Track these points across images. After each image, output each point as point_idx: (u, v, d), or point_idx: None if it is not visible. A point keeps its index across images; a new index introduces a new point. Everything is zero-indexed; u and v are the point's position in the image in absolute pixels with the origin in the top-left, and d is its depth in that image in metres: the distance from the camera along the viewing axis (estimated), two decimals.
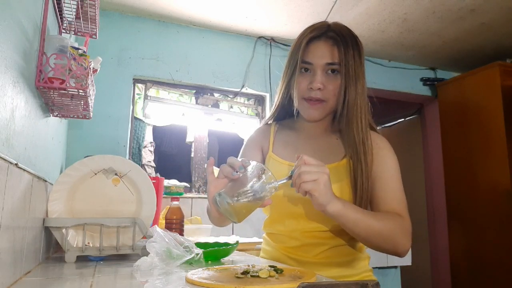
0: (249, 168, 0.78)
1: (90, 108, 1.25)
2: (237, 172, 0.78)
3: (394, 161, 1.00)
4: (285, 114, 1.15)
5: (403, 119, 3.73)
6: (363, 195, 0.94)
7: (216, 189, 0.80)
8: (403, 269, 2.05)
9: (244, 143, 1.16)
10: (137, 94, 2.45)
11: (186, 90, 2.58)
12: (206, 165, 0.85)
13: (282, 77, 1.06)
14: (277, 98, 1.11)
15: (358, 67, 0.97)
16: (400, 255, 0.91)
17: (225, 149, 3.25)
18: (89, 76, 1.06)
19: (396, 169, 0.99)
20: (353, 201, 0.94)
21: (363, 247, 1.05)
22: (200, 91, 2.60)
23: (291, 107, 1.09)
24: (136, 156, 2.39)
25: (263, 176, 0.77)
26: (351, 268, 1.01)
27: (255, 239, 1.95)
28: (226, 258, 1.07)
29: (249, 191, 0.76)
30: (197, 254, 0.91)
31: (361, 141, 0.96)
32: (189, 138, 2.62)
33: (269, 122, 1.17)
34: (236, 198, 0.75)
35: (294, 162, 1.01)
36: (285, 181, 0.82)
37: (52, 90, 1.01)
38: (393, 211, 0.93)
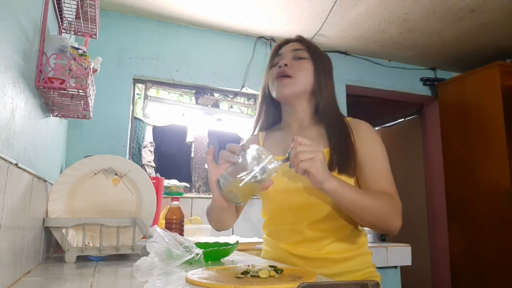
0: (249, 151, 0.80)
1: (90, 108, 1.25)
2: (237, 155, 0.81)
3: (380, 143, 1.04)
4: (268, 121, 1.19)
5: (403, 119, 3.73)
6: (349, 173, 0.98)
7: (217, 175, 0.83)
8: (403, 269, 2.04)
9: None
10: (137, 94, 2.45)
11: (186, 90, 2.58)
12: (206, 153, 0.90)
13: (261, 87, 1.18)
14: (258, 105, 1.19)
15: (323, 57, 1.12)
16: (392, 232, 0.95)
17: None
18: (89, 76, 1.06)
19: (383, 150, 1.03)
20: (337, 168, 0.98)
21: (365, 242, 1.07)
22: (200, 91, 2.60)
23: (274, 109, 1.17)
24: (136, 156, 2.39)
25: (263, 157, 0.80)
26: (355, 263, 1.02)
27: (255, 239, 1.95)
28: (226, 258, 1.07)
29: (250, 172, 0.78)
30: (197, 254, 0.91)
31: (338, 121, 1.04)
32: (189, 138, 2.62)
33: (255, 133, 1.21)
34: (239, 179, 0.77)
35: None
36: (282, 162, 0.84)
37: (52, 90, 1.01)
38: (382, 191, 0.97)
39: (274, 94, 1.10)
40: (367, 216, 0.91)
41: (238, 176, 0.78)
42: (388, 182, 0.99)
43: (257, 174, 0.78)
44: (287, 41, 1.15)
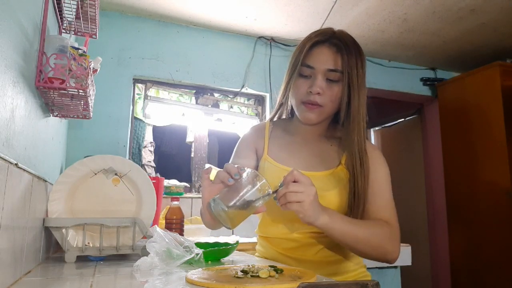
0: (244, 175, 0.79)
1: (90, 108, 1.25)
2: (233, 178, 0.78)
3: (385, 169, 1.02)
4: (281, 114, 1.16)
5: (403, 119, 3.73)
6: (360, 203, 0.95)
7: (211, 194, 0.81)
8: (403, 269, 2.04)
9: (239, 141, 1.16)
10: (137, 94, 2.45)
11: (186, 90, 2.58)
12: (202, 171, 0.87)
13: (285, 77, 1.06)
14: (279, 97, 1.11)
15: (361, 77, 0.97)
16: (389, 262, 0.93)
17: (225, 149, 3.25)
18: (89, 76, 1.06)
19: (387, 177, 1.01)
20: (350, 209, 0.96)
21: None
22: (200, 91, 2.60)
23: (288, 107, 1.11)
24: (136, 156, 2.39)
25: (258, 183, 0.78)
26: (347, 264, 1.03)
27: (255, 239, 1.95)
28: (226, 258, 1.07)
29: (243, 198, 0.77)
30: (197, 254, 0.91)
31: (363, 150, 0.98)
32: (189, 138, 2.62)
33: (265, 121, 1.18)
34: (230, 205, 0.76)
35: (289, 167, 1.02)
36: (270, 194, 0.81)
37: (52, 90, 1.01)
38: (382, 219, 0.95)
39: (298, 114, 1.03)
40: (362, 247, 0.89)
41: (230, 201, 0.76)
42: (389, 210, 0.97)
43: (249, 201, 0.77)
44: (322, 41, 0.99)
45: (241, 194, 0.77)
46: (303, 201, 0.78)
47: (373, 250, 0.91)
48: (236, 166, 0.79)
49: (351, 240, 0.88)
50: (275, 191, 0.81)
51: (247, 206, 0.77)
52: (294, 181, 0.80)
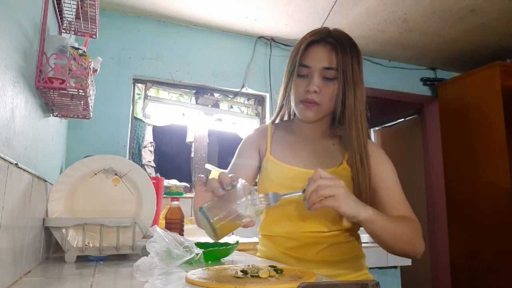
0: (238, 186, 0.74)
1: (90, 108, 1.25)
2: (223, 189, 0.73)
3: (392, 167, 1.02)
4: (283, 116, 1.17)
5: (403, 119, 3.73)
6: (367, 199, 0.96)
7: (202, 201, 0.76)
8: (403, 269, 2.05)
9: (242, 142, 1.16)
10: (137, 94, 2.45)
11: (186, 90, 2.58)
12: (196, 180, 0.82)
13: (283, 79, 1.08)
14: (279, 99, 1.12)
15: (356, 74, 0.98)
16: (417, 256, 0.94)
17: (225, 149, 3.25)
18: (89, 76, 1.06)
19: (395, 175, 1.01)
20: None
21: (359, 246, 1.07)
22: (200, 91, 2.60)
23: (289, 108, 1.11)
24: (136, 156, 2.39)
25: (249, 197, 0.73)
26: (348, 265, 1.02)
27: (255, 239, 1.95)
28: (226, 258, 1.07)
29: (232, 210, 0.72)
30: (197, 254, 0.91)
31: (362, 146, 0.98)
32: (189, 138, 2.62)
33: (267, 123, 1.18)
34: (217, 217, 0.71)
35: (292, 165, 1.01)
36: (297, 194, 0.80)
37: (52, 90, 1.01)
38: (402, 215, 0.96)
39: (297, 113, 1.04)
40: (397, 243, 0.89)
41: (216, 213, 0.71)
42: (405, 206, 0.97)
43: (239, 214, 0.72)
44: (317, 41, 1.00)
45: (229, 206, 0.72)
46: (335, 194, 0.78)
47: (406, 246, 0.91)
48: (230, 176, 0.74)
49: (389, 235, 0.87)
50: (303, 190, 0.79)
51: (234, 219, 0.72)
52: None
